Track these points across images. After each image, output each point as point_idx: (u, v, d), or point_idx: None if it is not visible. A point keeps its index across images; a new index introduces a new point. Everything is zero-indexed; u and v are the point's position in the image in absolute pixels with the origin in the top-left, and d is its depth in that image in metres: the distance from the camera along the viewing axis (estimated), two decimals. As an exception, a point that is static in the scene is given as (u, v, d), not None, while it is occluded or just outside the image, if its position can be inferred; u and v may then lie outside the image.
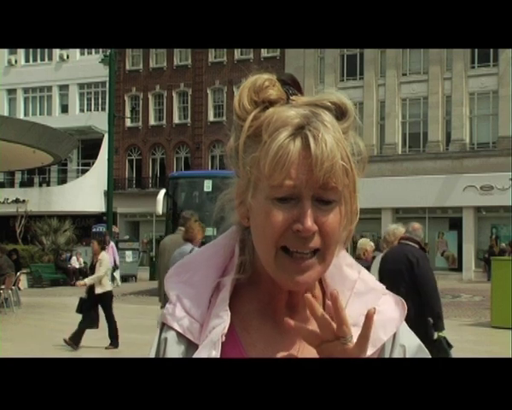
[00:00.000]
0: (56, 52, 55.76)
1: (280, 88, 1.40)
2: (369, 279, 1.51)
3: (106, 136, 41.03)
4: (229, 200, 1.46)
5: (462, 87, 42.06)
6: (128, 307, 21.62)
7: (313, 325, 1.35)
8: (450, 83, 42.44)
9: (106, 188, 37.35)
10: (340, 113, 1.39)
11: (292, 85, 1.43)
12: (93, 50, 52.63)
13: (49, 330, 15.33)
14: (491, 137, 41.59)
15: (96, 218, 48.42)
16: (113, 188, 37.10)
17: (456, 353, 11.14)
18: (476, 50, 41.19)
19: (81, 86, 55.98)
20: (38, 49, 55.16)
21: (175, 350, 1.42)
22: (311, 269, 1.36)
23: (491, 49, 40.38)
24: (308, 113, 1.35)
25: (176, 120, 51.67)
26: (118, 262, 28.12)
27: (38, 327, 15.37)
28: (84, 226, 48.59)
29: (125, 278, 34.07)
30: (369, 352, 1.40)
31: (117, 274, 27.83)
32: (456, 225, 40.74)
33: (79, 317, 18.99)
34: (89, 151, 53.85)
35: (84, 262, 37.58)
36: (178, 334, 1.42)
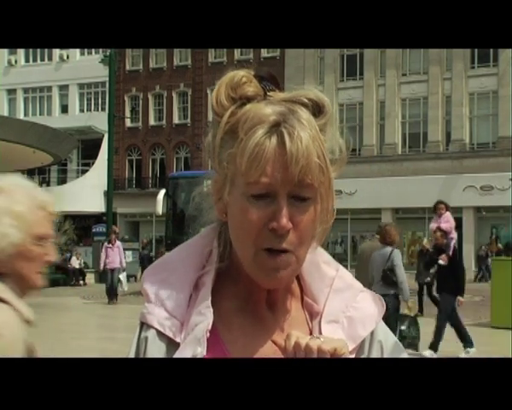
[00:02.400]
0: (56, 52, 55.78)
1: (257, 84, 1.40)
2: (347, 277, 1.51)
3: (106, 136, 40.99)
4: (207, 195, 1.46)
5: (461, 87, 42.09)
6: (128, 307, 21.62)
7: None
8: (449, 83, 42.46)
9: (106, 188, 37.34)
10: (317, 109, 1.39)
11: (269, 81, 1.42)
12: (93, 50, 52.63)
13: (49, 331, 15.32)
14: (490, 137, 41.61)
15: (96, 218, 48.43)
16: (113, 188, 37.08)
17: (456, 353, 11.16)
18: (476, 50, 41.22)
19: (81, 86, 56.01)
20: (38, 50, 55.19)
21: (155, 349, 1.41)
22: (287, 266, 1.36)
23: (491, 50, 40.39)
24: (284, 110, 1.35)
25: (176, 120, 51.70)
26: (124, 264, 24.89)
27: (38, 327, 15.39)
28: (84, 226, 48.64)
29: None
30: (349, 348, 1.41)
31: (123, 277, 24.89)
32: (456, 225, 40.74)
33: (80, 317, 19.00)
34: (89, 151, 53.88)
35: (85, 262, 37.61)
36: (158, 332, 1.42)
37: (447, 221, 14.78)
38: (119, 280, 24.16)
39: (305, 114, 1.36)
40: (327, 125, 1.39)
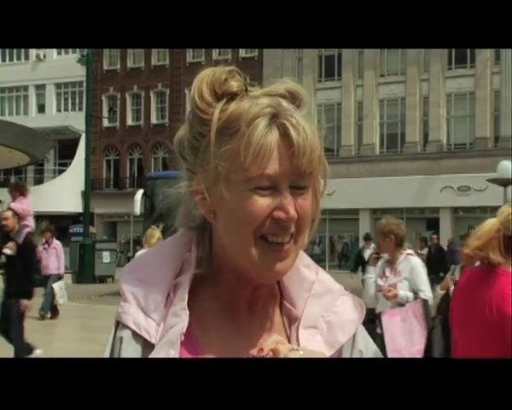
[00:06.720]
0: (33, 52, 55.44)
1: (239, 78, 1.38)
2: (327, 280, 1.49)
3: (83, 136, 40.81)
4: (188, 195, 1.43)
5: (439, 88, 42.32)
6: (105, 307, 21.51)
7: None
8: (427, 84, 42.68)
9: (83, 188, 37.18)
10: (294, 100, 1.38)
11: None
12: (70, 50, 52.37)
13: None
14: (467, 138, 41.88)
15: (74, 218, 48.19)
16: (91, 188, 36.92)
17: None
18: (453, 52, 41.48)
19: (58, 86, 55.71)
20: (15, 49, 54.84)
21: (131, 350, 1.39)
22: (289, 256, 1.36)
23: (468, 51, 40.70)
24: (277, 100, 1.34)
25: (153, 120, 51.58)
26: (62, 270, 19.10)
27: (15, 328, 15.29)
28: (61, 227, 48.29)
29: (101, 279, 33.86)
30: (328, 354, 1.40)
31: (60, 287, 18.27)
32: (433, 225, 40.89)
33: (53, 320, 18.83)
34: (66, 151, 53.56)
35: (62, 263, 37.32)
36: (134, 333, 1.39)
37: (24, 203, 11.17)
38: (53, 291, 18.06)
39: (291, 106, 1.36)
40: (309, 116, 1.39)
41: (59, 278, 18.64)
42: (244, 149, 1.31)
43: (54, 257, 18.61)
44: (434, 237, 25.51)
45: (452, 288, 8.11)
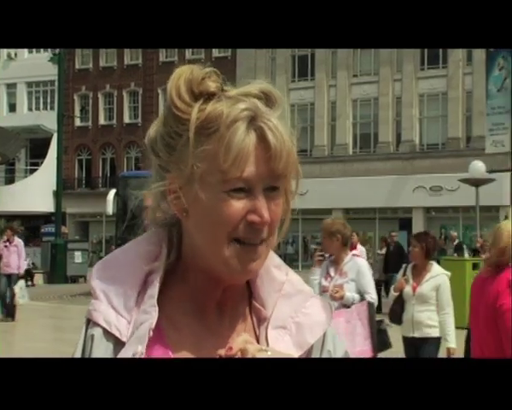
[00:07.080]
0: (4, 50, 55.00)
1: (217, 79, 1.38)
2: (297, 281, 1.49)
3: (55, 135, 40.59)
4: (159, 193, 1.42)
5: (411, 88, 42.57)
6: (77, 307, 21.42)
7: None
8: (400, 84, 42.91)
9: (55, 188, 36.97)
10: (269, 101, 1.39)
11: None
12: (41, 48, 52.05)
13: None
14: (440, 138, 42.18)
15: (45, 218, 47.88)
16: (63, 188, 36.73)
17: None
18: (426, 52, 41.76)
19: (29, 85, 55.33)
20: (-14, 47, 54.35)
21: (102, 348, 1.39)
22: (260, 257, 1.37)
23: (441, 51, 40.97)
24: (254, 103, 1.35)
25: (126, 119, 51.41)
26: (22, 270, 19.11)
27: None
28: (32, 227, 48.00)
29: (73, 279, 33.69)
30: (296, 354, 1.40)
31: (22, 288, 18.28)
32: (406, 225, 41.09)
33: (29, 318, 18.71)
34: (37, 151, 53.23)
35: (33, 263, 37.15)
36: (105, 331, 1.39)
37: None
38: (13, 291, 18.11)
39: (267, 108, 1.36)
40: (283, 118, 1.39)
41: (18, 277, 18.56)
42: (224, 153, 1.31)
43: (15, 255, 18.47)
44: (394, 234, 25.46)
45: (406, 289, 8.00)
